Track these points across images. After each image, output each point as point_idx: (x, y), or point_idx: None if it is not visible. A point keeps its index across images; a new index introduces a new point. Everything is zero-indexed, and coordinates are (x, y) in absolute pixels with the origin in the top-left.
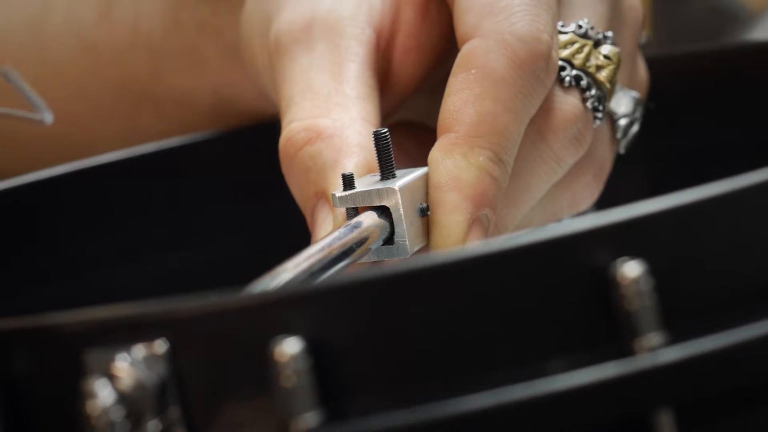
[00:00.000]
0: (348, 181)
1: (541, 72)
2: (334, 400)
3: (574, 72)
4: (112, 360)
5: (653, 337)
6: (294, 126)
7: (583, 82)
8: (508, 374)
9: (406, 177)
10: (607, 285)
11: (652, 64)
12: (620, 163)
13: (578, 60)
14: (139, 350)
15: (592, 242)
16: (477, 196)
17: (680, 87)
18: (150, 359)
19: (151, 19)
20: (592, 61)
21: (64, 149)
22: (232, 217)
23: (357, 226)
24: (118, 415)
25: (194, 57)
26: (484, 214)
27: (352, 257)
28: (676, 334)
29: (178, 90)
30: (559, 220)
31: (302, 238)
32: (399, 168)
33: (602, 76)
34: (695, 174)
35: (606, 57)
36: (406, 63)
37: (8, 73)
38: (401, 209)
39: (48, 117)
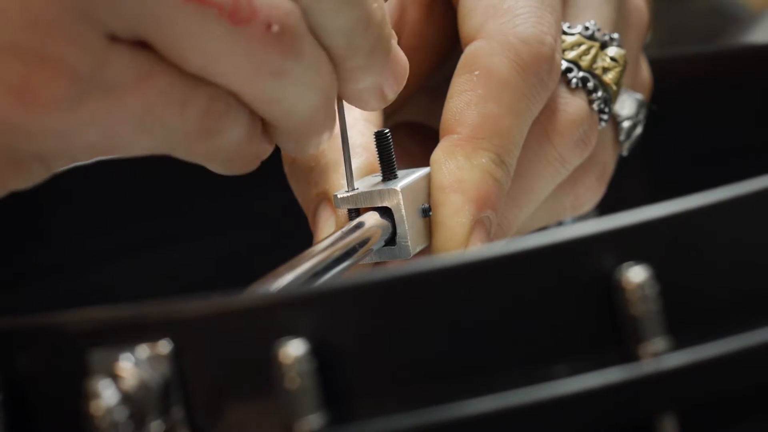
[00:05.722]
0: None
1: (544, 74)
2: (337, 402)
3: (581, 74)
4: (115, 360)
5: (658, 342)
6: None
7: (590, 84)
8: (512, 378)
9: (408, 178)
10: (612, 289)
11: (653, 65)
12: (622, 164)
13: (585, 62)
14: (143, 350)
15: (597, 247)
16: (480, 197)
17: (681, 88)
18: (154, 359)
19: None
20: (599, 63)
21: None
22: (232, 216)
23: (359, 226)
24: (121, 415)
25: None
26: (487, 216)
27: (354, 258)
28: (681, 340)
29: None
30: (561, 222)
31: (305, 238)
32: (401, 168)
33: (609, 78)
34: (696, 175)
35: (612, 59)
36: (410, 63)
37: None
38: (403, 210)
39: None
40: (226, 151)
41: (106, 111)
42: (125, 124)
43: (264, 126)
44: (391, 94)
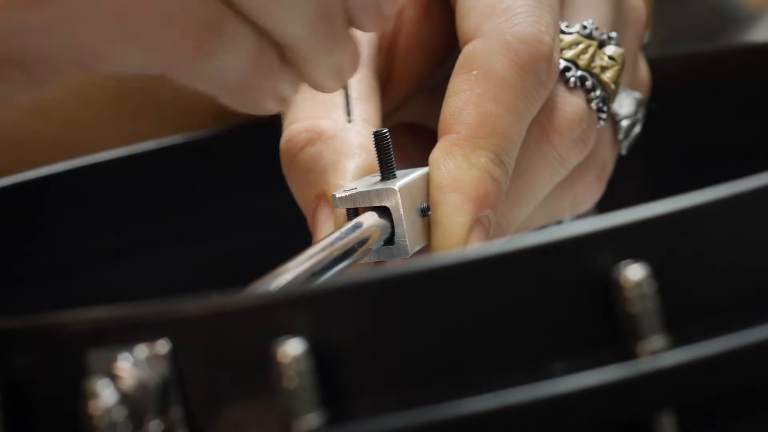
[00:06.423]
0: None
1: (542, 73)
2: (335, 402)
3: (579, 73)
4: (114, 360)
5: (656, 340)
6: (295, 127)
7: (588, 83)
8: (510, 376)
9: (406, 177)
10: (610, 288)
11: (652, 64)
12: (621, 163)
13: (583, 60)
14: (142, 350)
15: (595, 245)
16: (479, 197)
17: (680, 88)
18: (152, 359)
19: None
20: (597, 62)
21: (65, 152)
22: (232, 216)
23: (358, 226)
24: (120, 415)
25: None
26: (485, 215)
27: (353, 257)
28: (679, 337)
29: (179, 94)
30: (560, 221)
31: (303, 238)
32: (399, 169)
33: (607, 76)
34: (695, 175)
35: (610, 58)
36: (408, 63)
37: None
38: (401, 209)
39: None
40: (233, 77)
41: (78, 8)
42: (103, 25)
43: (282, 57)
44: (389, 12)
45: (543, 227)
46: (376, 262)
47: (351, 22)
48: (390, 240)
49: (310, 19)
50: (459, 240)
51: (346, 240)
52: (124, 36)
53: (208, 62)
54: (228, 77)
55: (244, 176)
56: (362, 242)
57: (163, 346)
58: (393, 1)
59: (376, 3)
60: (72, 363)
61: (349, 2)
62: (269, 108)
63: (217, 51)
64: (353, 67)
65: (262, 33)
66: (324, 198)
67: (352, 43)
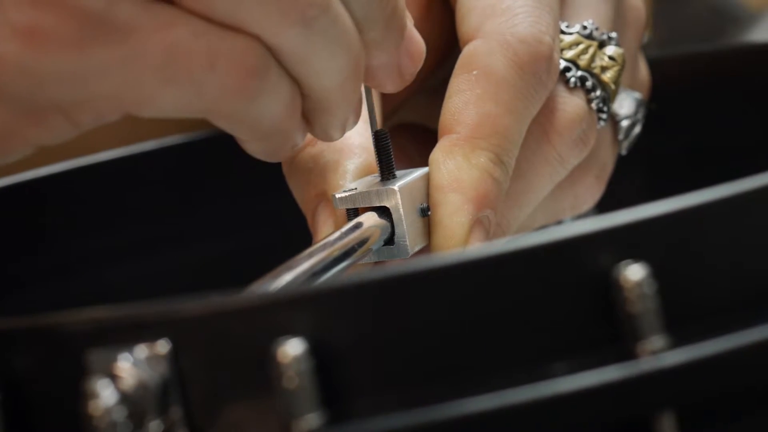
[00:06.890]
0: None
1: (542, 73)
2: (335, 402)
3: (580, 73)
4: (114, 360)
5: (656, 340)
6: None
7: (588, 83)
8: (510, 376)
9: (406, 178)
10: (610, 288)
11: (652, 64)
12: (621, 163)
13: (583, 61)
14: (142, 350)
15: (595, 245)
16: (479, 197)
17: (680, 88)
18: (152, 359)
19: None
20: (597, 62)
21: (65, 152)
22: (232, 217)
23: (358, 226)
24: (120, 415)
25: None
26: (486, 215)
27: (353, 258)
28: (679, 337)
29: None
30: (561, 221)
31: (303, 238)
32: (399, 169)
33: (607, 77)
34: (695, 175)
35: (611, 58)
36: None
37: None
38: (401, 210)
39: None
40: (268, 122)
41: (122, 57)
42: (146, 73)
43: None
44: (408, 75)
45: (543, 227)
46: (376, 262)
47: (370, 79)
48: (390, 240)
49: (342, 73)
50: (459, 240)
51: (346, 240)
52: (167, 83)
53: (248, 106)
54: (264, 122)
55: (244, 176)
56: (362, 242)
57: (163, 346)
58: (412, 64)
59: (398, 64)
60: (72, 363)
61: (372, 61)
62: (286, 155)
63: (259, 96)
64: (356, 121)
65: (295, 82)
66: (324, 198)
67: (360, 100)
